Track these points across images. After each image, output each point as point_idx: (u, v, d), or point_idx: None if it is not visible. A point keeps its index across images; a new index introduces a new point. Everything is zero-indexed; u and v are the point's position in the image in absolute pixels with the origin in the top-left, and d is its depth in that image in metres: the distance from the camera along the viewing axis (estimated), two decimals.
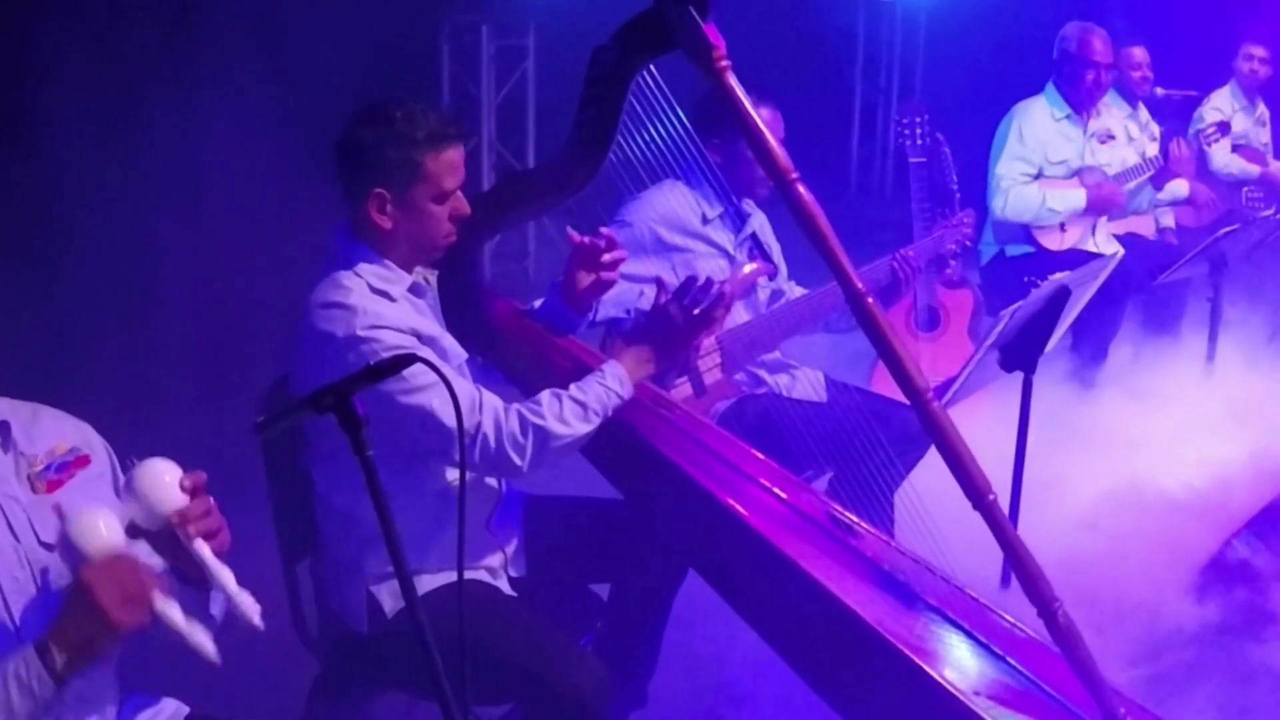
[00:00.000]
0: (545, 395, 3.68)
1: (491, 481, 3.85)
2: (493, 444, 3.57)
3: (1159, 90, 8.65)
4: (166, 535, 2.76)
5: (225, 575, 2.74)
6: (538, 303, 4.23)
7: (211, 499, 2.79)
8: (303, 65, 7.24)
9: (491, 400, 3.62)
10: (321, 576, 3.89)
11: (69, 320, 6.34)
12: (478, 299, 4.03)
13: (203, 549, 2.73)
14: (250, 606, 2.72)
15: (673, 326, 3.88)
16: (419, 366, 2.77)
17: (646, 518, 3.97)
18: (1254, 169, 9.11)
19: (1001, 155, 7.45)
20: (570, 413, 3.65)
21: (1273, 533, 5.02)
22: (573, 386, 3.71)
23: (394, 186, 3.57)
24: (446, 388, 2.82)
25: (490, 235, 4.30)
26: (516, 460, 3.60)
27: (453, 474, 3.70)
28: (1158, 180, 7.79)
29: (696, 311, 3.87)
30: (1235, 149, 9.15)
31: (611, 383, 3.75)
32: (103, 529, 2.68)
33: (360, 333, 3.48)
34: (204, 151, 6.96)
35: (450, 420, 3.45)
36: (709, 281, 3.91)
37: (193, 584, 2.86)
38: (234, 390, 5.51)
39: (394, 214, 3.60)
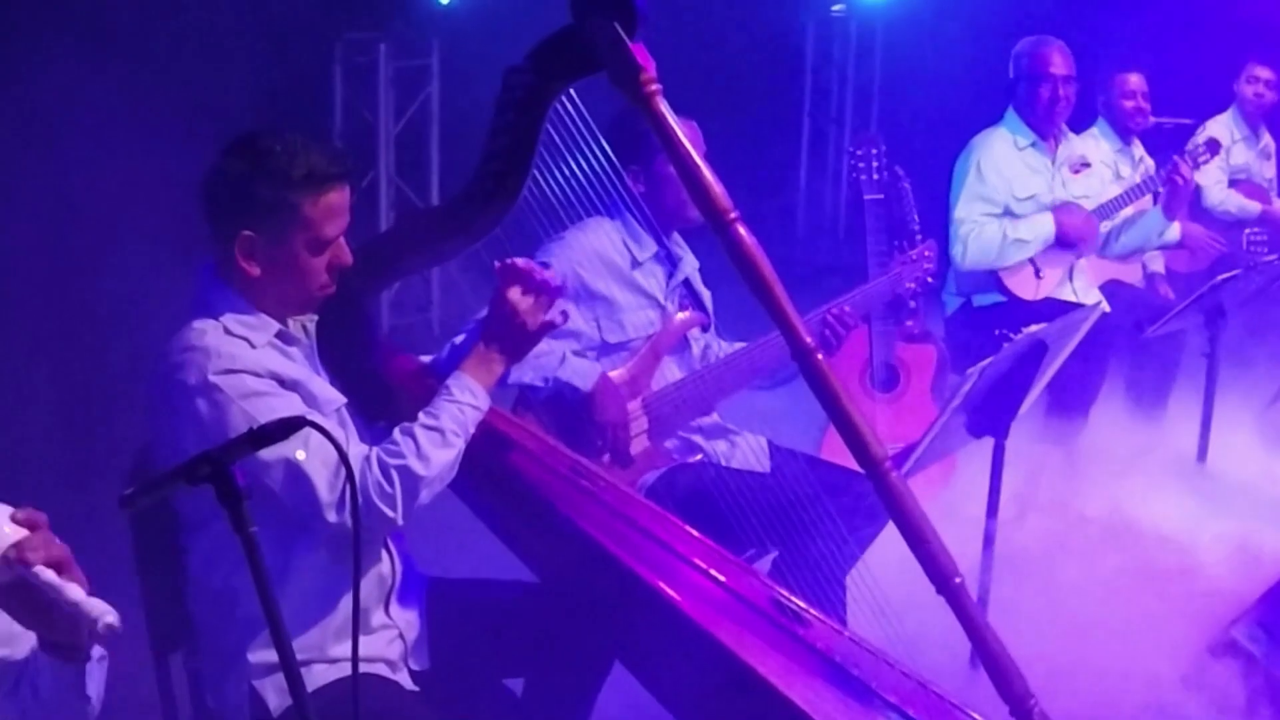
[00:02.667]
0: (396, 434, 3.67)
1: (386, 563, 3.85)
2: (360, 499, 3.47)
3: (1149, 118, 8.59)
4: (10, 581, 2.77)
5: (71, 589, 2.73)
6: (458, 337, 4.25)
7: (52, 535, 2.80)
8: (178, 86, 7.23)
9: (357, 450, 3.63)
10: (197, 670, 3.87)
11: None
12: (372, 355, 4.03)
13: (44, 573, 2.73)
14: (100, 608, 2.71)
15: (515, 319, 3.84)
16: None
17: (565, 603, 3.98)
18: (1254, 206, 9.14)
19: (960, 197, 7.36)
20: (428, 443, 3.64)
21: (1275, 623, 5.06)
22: (421, 414, 3.71)
23: (265, 230, 3.56)
24: (339, 454, 2.84)
25: (388, 283, 4.31)
26: (388, 512, 3.57)
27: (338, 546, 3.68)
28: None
29: (537, 300, 3.84)
30: (1235, 184, 9.19)
31: (461, 396, 3.76)
32: None
33: (212, 378, 3.48)
34: (66, 176, 6.93)
35: (317, 479, 3.47)
36: (545, 266, 3.88)
37: (62, 653, 2.85)
38: (98, 456, 5.49)
39: (263, 260, 3.59)
